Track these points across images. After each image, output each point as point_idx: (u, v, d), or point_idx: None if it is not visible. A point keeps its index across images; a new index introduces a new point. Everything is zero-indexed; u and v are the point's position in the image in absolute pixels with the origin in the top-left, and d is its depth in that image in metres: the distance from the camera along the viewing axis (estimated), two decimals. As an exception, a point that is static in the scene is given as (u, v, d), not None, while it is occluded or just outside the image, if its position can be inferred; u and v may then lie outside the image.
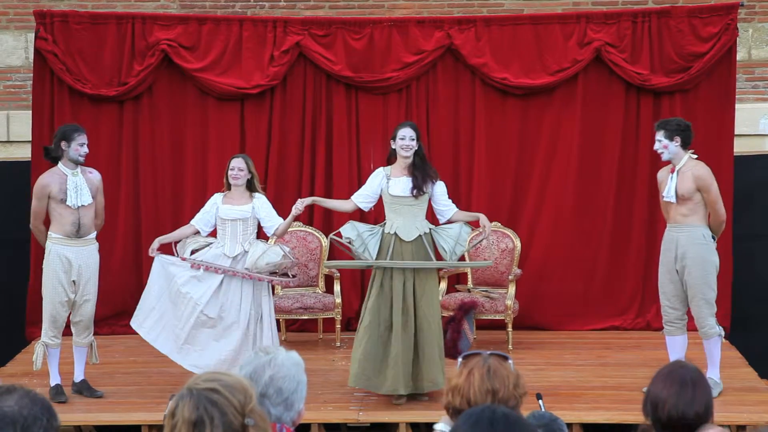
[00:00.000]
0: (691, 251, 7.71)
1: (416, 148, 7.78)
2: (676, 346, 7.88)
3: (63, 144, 7.78)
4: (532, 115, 9.90)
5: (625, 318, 9.94)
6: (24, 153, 9.97)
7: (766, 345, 9.51)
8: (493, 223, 9.72)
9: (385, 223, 7.83)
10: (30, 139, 9.80)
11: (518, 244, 9.53)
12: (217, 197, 8.07)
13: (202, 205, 8.22)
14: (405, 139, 7.73)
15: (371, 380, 7.72)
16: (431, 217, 8.05)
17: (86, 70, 9.73)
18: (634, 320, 9.93)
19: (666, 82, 9.67)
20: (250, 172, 7.99)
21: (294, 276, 8.39)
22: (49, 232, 7.87)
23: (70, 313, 7.97)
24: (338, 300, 9.42)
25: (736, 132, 9.76)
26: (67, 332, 8.06)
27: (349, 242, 7.75)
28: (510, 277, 9.38)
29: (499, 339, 9.27)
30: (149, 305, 8.03)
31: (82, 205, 7.82)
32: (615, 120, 9.82)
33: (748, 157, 10.02)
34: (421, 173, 7.73)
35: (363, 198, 7.90)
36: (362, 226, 7.84)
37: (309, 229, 9.73)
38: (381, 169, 7.90)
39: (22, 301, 9.65)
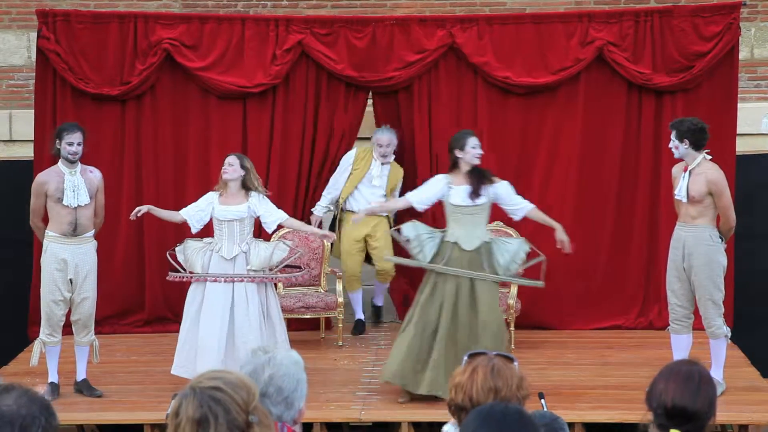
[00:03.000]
0: (698, 251, 7.72)
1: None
2: (681, 345, 7.89)
3: (57, 142, 7.84)
4: (534, 114, 9.89)
5: (627, 317, 9.93)
6: (26, 152, 9.97)
7: (767, 344, 9.51)
8: (495, 223, 9.73)
9: (446, 231, 7.88)
10: (32, 139, 9.80)
11: (520, 243, 9.51)
12: (214, 196, 8.05)
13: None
14: (476, 148, 7.88)
15: (407, 379, 7.71)
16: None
17: (88, 69, 9.73)
18: (636, 319, 9.92)
19: (668, 81, 9.66)
20: (243, 168, 7.97)
21: (304, 268, 8.57)
22: (46, 231, 7.89)
23: (70, 312, 7.97)
24: (340, 299, 9.41)
25: (738, 131, 9.75)
26: (68, 332, 8.06)
27: (407, 241, 7.88)
28: (512, 276, 9.36)
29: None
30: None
31: (80, 205, 7.83)
32: (617, 119, 9.81)
33: (750, 156, 10.01)
34: (476, 179, 7.82)
35: (420, 200, 7.99)
36: (423, 228, 7.94)
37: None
38: (443, 176, 8.00)
39: (24, 301, 9.65)
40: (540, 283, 8.17)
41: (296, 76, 9.89)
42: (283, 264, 8.16)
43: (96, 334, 8.13)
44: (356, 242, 9.52)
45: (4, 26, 10.32)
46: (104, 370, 8.57)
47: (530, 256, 8.04)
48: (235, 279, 7.89)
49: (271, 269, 8.04)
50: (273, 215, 8.04)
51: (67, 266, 7.85)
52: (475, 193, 7.76)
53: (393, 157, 9.55)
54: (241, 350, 7.67)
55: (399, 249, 8.76)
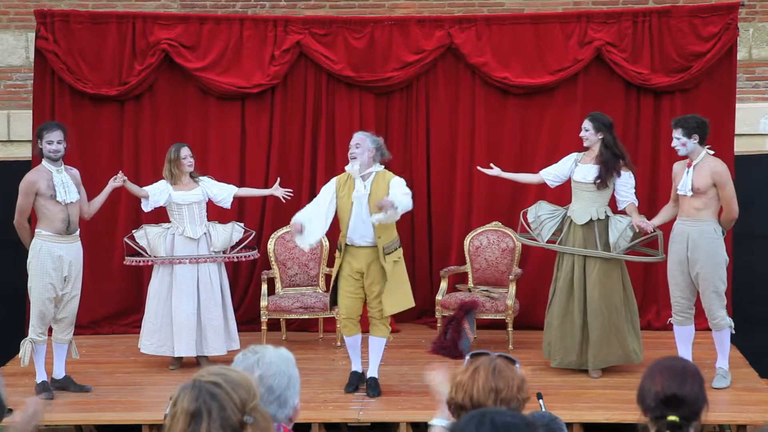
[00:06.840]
0: (702, 245, 7.92)
1: (601, 138, 8.18)
2: (685, 335, 8.13)
3: (38, 142, 7.91)
4: (532, 115, 9.90)
5: (625, 317, 9.92)
6: (24, 152, 9.97)
7: (766, 345, 9.51)
8: (494, 223, 9.75)
9: (568, 206, 8.40)
10: (30, 139, 9.79)
11: (518, 243, 9.52)
12: (166, 184, 8.56)
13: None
14: (582, 131, 8.25)
15: (554, 355, 8.40)
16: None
17: (87, 70, 9.74)
18: (634, 320, 9.91)
19: (666, 81, 9.67)
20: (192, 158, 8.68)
21: (257, 248, 9.17)
22: (37, 230, 7.94)
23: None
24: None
25: (736, 131, 9.76)
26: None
27: (528, 224, 8.50)
28: (510, 276, 9.38)
29: (500, 339, 9.27)
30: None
31: (71, 202, 7.88)
32: (615, 119, 9.72)
33: (749, 156, 10.02)
34: (606, 166, 8.15)
35: (552, 176, 8.47)
36: (545, 208, 8.48)
37: (309, 228, 9.72)
38: (574, 153, 8.42)
39: (22, 301, 9.63)
40: (659, 257, 8.39)
41: (295, 77, 9.90)
42: (241, 245, 8.83)
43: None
44: (352, 277, 7.90)
45: (2, 26, 10.32)
46: (102, 370, 8.57)
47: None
48: (200, 260, 8.52)
49: (226, 251, 8.71)
50: (225, 190, 8.75)
51: (63, 263, 7.90)
52: (602, 180, 8.11)
53: (373, 164, 7.86)
54: (207, 328, 8.50)
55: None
